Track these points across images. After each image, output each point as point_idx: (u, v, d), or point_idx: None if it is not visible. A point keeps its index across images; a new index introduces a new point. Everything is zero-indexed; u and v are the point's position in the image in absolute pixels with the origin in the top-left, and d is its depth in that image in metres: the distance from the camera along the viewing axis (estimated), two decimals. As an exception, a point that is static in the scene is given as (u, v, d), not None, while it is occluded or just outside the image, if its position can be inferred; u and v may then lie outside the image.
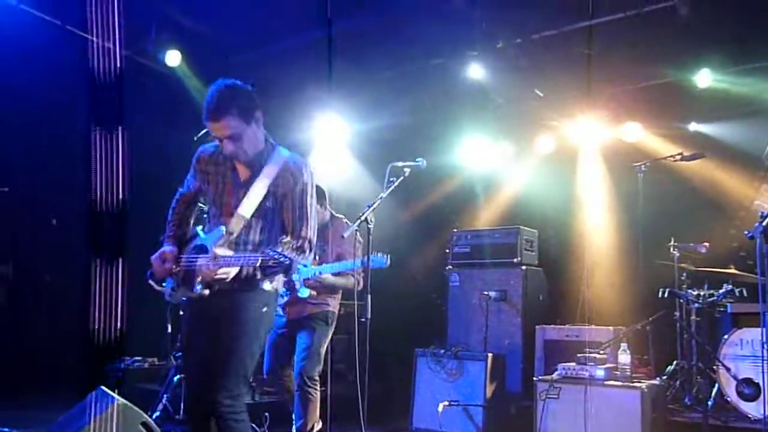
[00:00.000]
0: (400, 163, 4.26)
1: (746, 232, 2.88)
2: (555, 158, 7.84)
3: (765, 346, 2.89)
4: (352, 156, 8.11)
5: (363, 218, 4.15)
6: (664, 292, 5.82)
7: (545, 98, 7.51)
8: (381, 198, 4.18)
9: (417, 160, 4.28)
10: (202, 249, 3.38)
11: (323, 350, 5.14)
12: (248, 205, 3.37)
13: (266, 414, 5.49)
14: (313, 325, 4.99)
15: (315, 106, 7.64)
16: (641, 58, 6.70)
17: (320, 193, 5.31)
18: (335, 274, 4.89)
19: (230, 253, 3.29)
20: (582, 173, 7.64)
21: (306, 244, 3.39)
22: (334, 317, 5.22)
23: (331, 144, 8.01)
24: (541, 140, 7.94)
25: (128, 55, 6.66)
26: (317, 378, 5.17)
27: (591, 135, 7.52)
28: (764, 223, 2.85)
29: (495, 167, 8.14)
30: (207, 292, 3.33)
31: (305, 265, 4.65)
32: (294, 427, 4.91)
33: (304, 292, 5.08)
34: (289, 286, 5.26)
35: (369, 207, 4.14)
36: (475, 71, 7.08)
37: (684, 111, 7.21)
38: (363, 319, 4.09)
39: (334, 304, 5.22)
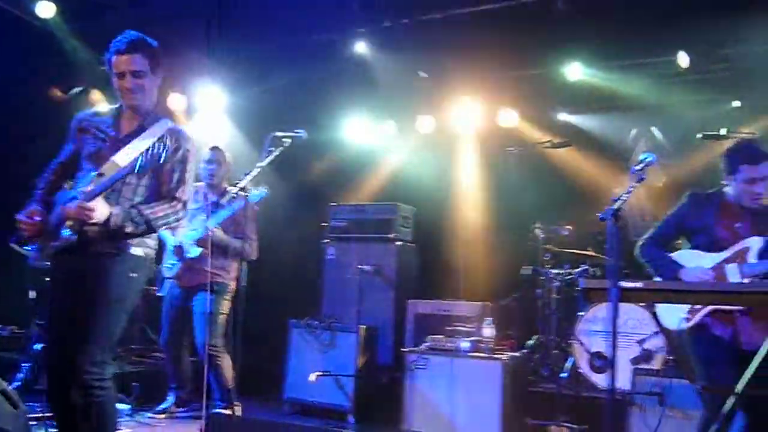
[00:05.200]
0: (280, 134, 4.26)
1: (599, 215, 3.11)
2: (435, 139, 8.04)
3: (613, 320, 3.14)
4: (233, 125, 8.00)
5: (240, 187, 4.14)
6: (527, 270, 6.15)
7: (429, 80, 7.68)
8: (259, 168, 4.18)
9: (297, 131, 4.30)
10: (71, 199, 3.26)
11: (222, 318, 5.12)
12: (124, 156, 3.30)
13: (136, 384, 5.39)
14: (206, 294, 4.97)
15: (194, 71, 7.46)
16: (520, 47, 6.94)
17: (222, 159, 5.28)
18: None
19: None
20: (459, 155, 7.90)
21: (180, 206, 3.40)
22: (230, 290, 5.20)
23: (210, 112, 7.86)
24: (422, 121, 8.12)
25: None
26: (220, 346, 5.15)
27: (470, 119, 7.74)
28: (615, 206, 3.08)
29: (377, 144, 8.27)
30: (75, 238, 3.22)
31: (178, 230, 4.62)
32: (214, 401, 4.89)
33: (195, 252, 5.03)
34: (178, 251, 5.20)
35: (246, 175, 4.14)
36: (361, 49, 7.14)
37: (555, 101, 7.56)
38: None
39: (228, 276, 5.19)
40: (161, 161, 3.21)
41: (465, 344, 5.37)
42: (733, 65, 6.81)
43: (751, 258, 3.74)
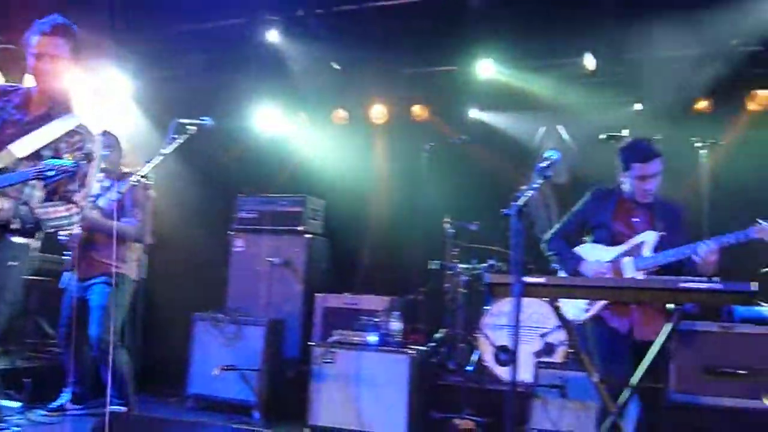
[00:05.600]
0: (184, 121, 4.11)
1: (503, 211, 3.14)
2: (347, 131, 7.98)
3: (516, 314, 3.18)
4: (139, 111, 7.71)
5: (141, 174, 3.98)
6: (434, 265, 6.18)
7: (342, 71, 7.62)
8: (162, 155, 4.02)
9: (203, 119, 4.16)
10: None
11: (119, 311, 4.91)
12: (23, 146, 3.12)
13: (27, 380, 5.11)
14: (103, 287, 4.76)
15: (99, 55, 7.14)
16: (434, 42, 7.00)
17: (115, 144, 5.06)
18: (108, 216, 4.64)
19: None
20: (371, 148, 7.88)
21: (75, 210, 3.30)
22: (127, 281, 4.99)
23: (115, 96, 7.54)
24: (336, 113, 8.05)
25: None
26: (116, 340, 4.93)
27: (382, 112, 7.75)
28: (519, 203, 3.12)
29: (289, 135, 8.14)
30: None
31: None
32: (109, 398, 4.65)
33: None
34: (66, 239, 4.97)
35: (147, 163, 3.98)
36: (273, 37, 7.01)
37: (467, 97, 7.63)
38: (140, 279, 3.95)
39: (126, 267, 4.99)
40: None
41: (372, 338, 5.36)
42: (635, 69, 7.06)
43: (646, 252, 3.89)
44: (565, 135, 6.35)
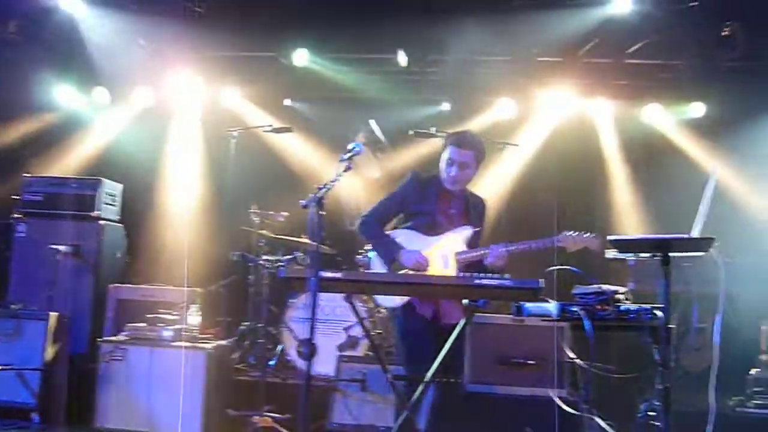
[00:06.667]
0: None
1: (302, 202, 3.03)
2: (151, 113, 7.53)
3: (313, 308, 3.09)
4: None
5: None
6: (235, 256, 5.96)
7: (148, 49, 7.15)
8: None
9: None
10: None
11: None
12: None
13: None
14: None
15: None
16: (248, 26, 6.76)
17: None
18: None
19: None
20: (177, 132, 7.49)
21: None
22: None
23: None
24: (139, 92, 7.54)
25: None
26: None
27: (191, 96, 7.39)
28: (319, 194, 3.03)
29: (85, 113, 7.52)
30: None
31: None
32: None
33: None
34: None
35: None
36: (68, 5, 6.42)
37: (281, 85, 7.47)
38: None
39: None
40: None
41: (167, 333, 5.08)
42: (444, 69, 7.27)
43: (461, 245, 3.95)
44: (376, 129, 6.37)
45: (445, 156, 4.03)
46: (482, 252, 3.92)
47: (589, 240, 3.88)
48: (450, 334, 3.60)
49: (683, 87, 7.22)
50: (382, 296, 4.05)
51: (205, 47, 7.07)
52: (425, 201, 4.04)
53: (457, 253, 3.96)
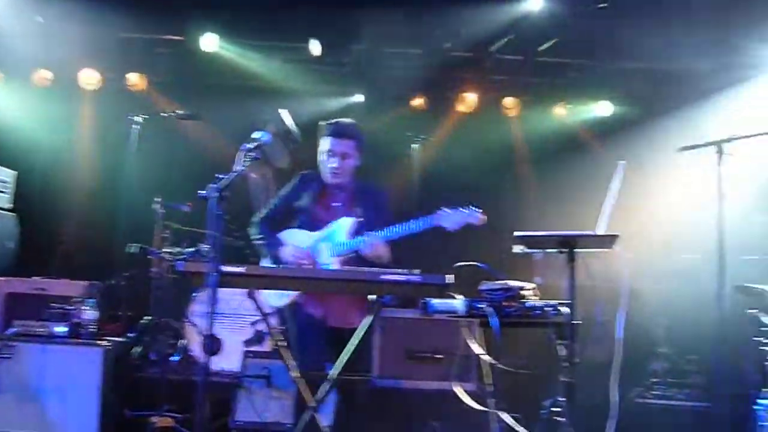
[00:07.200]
0: None
1: (200, 193, 2.89)
2: (50, 95, 7.13)
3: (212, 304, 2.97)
4: None
5: None
6: (133, 248, 5.68)
7: (47, 27, 6.76)
8: None
9: None
10: None
11: None
12: None
13: None
14: None
15: None
16: (155, 7, 6.50)
17: None
18: None
19: None
20: (76, 117, 7.16)
21: None
22: None
23: None
24: (38, 73, 7.11)
25: None
26: None
27: (92, 78, 7.08)
28: (219, 185, 2.90)
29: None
30: None
31: None
32: None
33: None
34: None
35: None
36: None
37: (189, 70, 7.25)
38: None
39: None
40: None
41: (60, 329, 4.81)
42: (359, 61, 7.20)
43: (343, 237, 3.87)
44: (287, 119, 6.22)
45: (323, 147, 3.97)
46: (357, 241, 3.81)
47: (470, 216, 3.73)
48: (339, 336, 3.58)
49: (591, 86, 7.40)
50: (270, 295, 3.93)
51: (109, 27, 6.76)
52: (306, 198, 4.00)
53: (334, 245, 3.87)
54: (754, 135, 3.73)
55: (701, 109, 6.45)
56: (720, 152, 3.62)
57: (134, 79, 7.18)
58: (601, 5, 6.15)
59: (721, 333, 3.77)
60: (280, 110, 6.43)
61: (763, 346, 4.22)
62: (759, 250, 5.36)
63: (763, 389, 4.05)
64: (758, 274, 4.63)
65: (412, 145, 6.36)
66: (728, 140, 3.65)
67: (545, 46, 6.97)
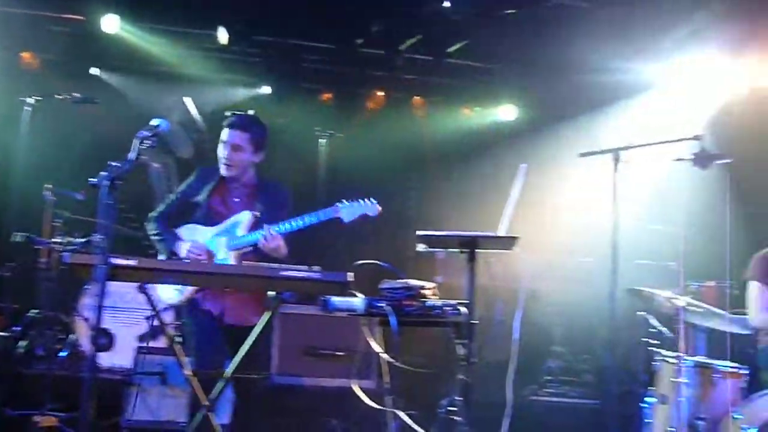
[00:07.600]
0: None
1: (91, 180, 2.74)
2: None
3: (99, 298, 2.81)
4: None
5: None
6: (18, 237, 5.36)
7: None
8: None
9: None
10: None
11: None
12: None
13: None
14: None
15: None
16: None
17: None
18: None
19: None
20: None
21: None
22: None
23: None
24: None
25: None
26: None
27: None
28: (111, 173, 2.75)
29: None
30: None
31: None
32: None
33: None
34: None
35: None
36: None
37: (88, 52, 6.93)
38: None
39: None
40: None
41: (-64, 322, 4.47)
42: (267, 52, 7.07)
43: (240, 231, 3.78)
44: (192, 107, 6.03)
45: (221, 138, 3.88)
46: (255, 235, 3.72)
47: (367, 207, 3.72)
48: (238, 334, 3.52)
49: (497, 90, 7.54)
50: (165, 291, 3.79)
51: (6, 3, 6.35)
52: (203, 192, 3.90)
53: (230, 240, 3.79)
54: (649, 144, 3.86)
55: (599, 117, 6.68)
56: (617, 159, 3.73)
57: (28, 58, 6.79)
58: (509, 11, 6.25)
59: (613, 334, 3.89)
60: (184, 98, 6.27)
61: (651, 346, 4.40)
62: (651, 256, 5.60)
63: (650, 388, 4.22)
64: (650, 278, 4.82)
65: (320, 140, 6.30)
66: (625, 148, 3.75)
67: (454, 47, 7.04)
